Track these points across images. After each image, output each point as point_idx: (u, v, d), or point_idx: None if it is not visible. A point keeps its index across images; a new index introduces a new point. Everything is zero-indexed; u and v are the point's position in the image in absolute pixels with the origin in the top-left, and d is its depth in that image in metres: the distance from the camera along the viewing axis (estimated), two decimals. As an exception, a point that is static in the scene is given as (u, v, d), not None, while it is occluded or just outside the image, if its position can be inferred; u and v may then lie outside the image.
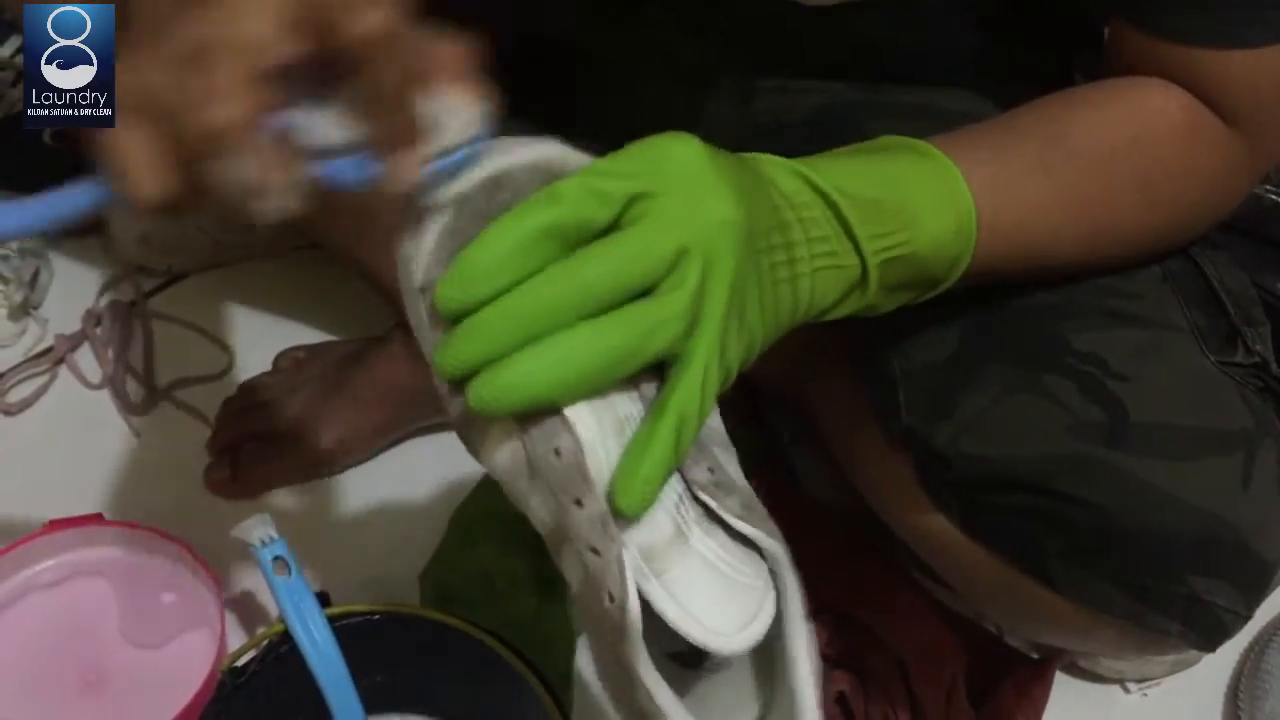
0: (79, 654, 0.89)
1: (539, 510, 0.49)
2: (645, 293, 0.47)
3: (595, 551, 0.46)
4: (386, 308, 1.00)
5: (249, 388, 1.04)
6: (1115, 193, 0.65)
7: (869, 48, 0.78)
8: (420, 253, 0.49)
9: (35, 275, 1.11)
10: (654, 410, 0.47)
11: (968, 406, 0.68)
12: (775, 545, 0.48)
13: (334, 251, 1.02)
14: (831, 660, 0.90)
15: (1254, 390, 0.69)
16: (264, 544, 0.77)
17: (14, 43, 1.24)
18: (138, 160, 0.42)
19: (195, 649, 0.88)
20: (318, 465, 1.01)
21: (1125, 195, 0.65)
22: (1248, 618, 0.67)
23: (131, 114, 0.43)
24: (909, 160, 0.60)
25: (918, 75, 0.79)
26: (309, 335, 1.10)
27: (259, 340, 1.09)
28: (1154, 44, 0.64)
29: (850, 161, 0.57)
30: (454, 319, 0.46)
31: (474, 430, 0.50)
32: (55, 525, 0.90)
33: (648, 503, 0.46)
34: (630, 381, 0.48)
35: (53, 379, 1.07)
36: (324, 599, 0.79)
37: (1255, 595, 0.66)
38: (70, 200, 0.45)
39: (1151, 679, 0.95)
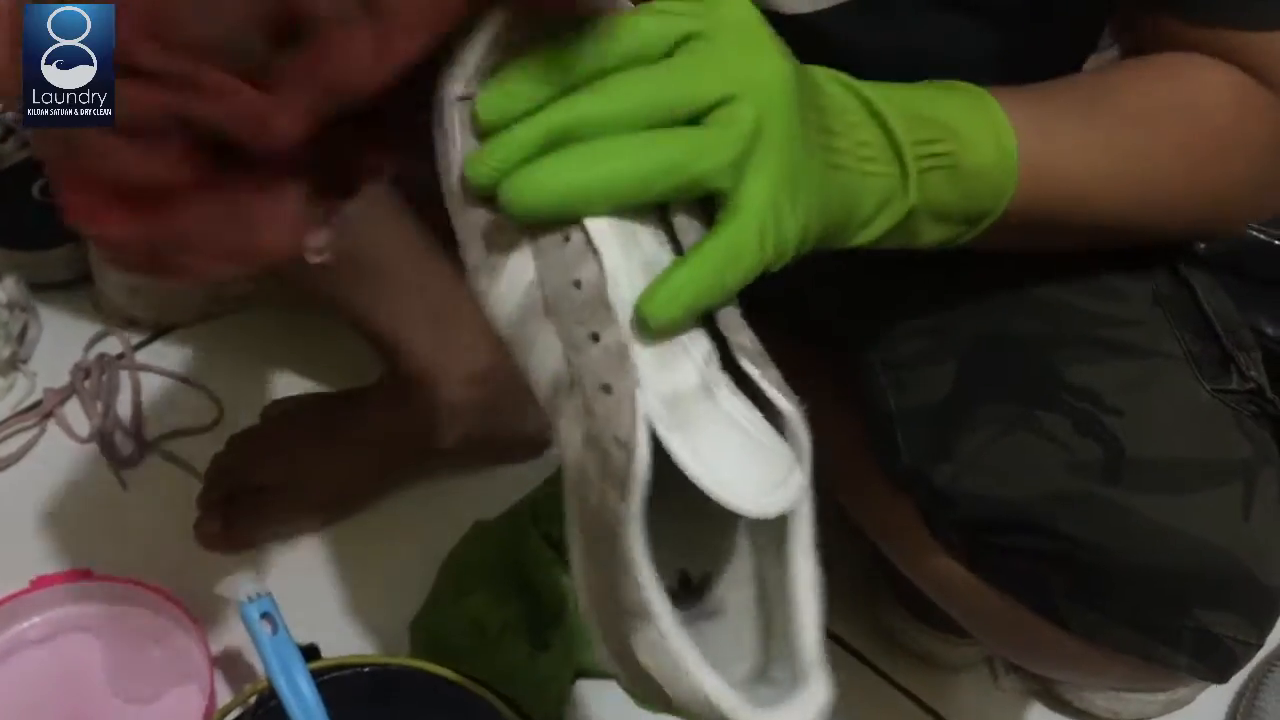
0: (67, 709, 0.88)
1: (545, 357, 0.45)
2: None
3: (607, 390, 0.42)
4: (375, 358, 1.00)
5: (238, 440, 1.03)
6: (1160, 153, 0.63)
7: (848, 55, 0.77)
8: (464, 66, 0.47)
9: (24, 330, 1.10)
10: (704, 237, 0.45)
11: (966, 446, 0.67)
12: (803, 432, 0.43)
13: (324, 302, 1.02)
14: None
15: (1250, 416, 0.68)
16: (250, 600, 0.76)
17: (1, 99, 1.24)
18: None
19: (184, 704, 0.87)
20: (309, 517, 1.00)
21: (1170, 158, 0.63)
22: (1259, 647, 0.66)
23: None
24: (950, 91, 0.58)
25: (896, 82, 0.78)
26: (298, 387, 1.09)
27: (248, 392, 1.09)
28: (1199, 31, 0.63)
29: (893, 86, 0.55)
30: (489, 131, 0.45)
31: (489, 261, 0.46)
32: (43, 581, 0.90)
33: (675, 317, 0.43)
34: (662, 228, 0.45)
35: (41, 433, 1.07)
36: (314, 650, 0.78)
37: (1264, 623, 0.65)
38: None
39: (1145, 718, 0.94)
